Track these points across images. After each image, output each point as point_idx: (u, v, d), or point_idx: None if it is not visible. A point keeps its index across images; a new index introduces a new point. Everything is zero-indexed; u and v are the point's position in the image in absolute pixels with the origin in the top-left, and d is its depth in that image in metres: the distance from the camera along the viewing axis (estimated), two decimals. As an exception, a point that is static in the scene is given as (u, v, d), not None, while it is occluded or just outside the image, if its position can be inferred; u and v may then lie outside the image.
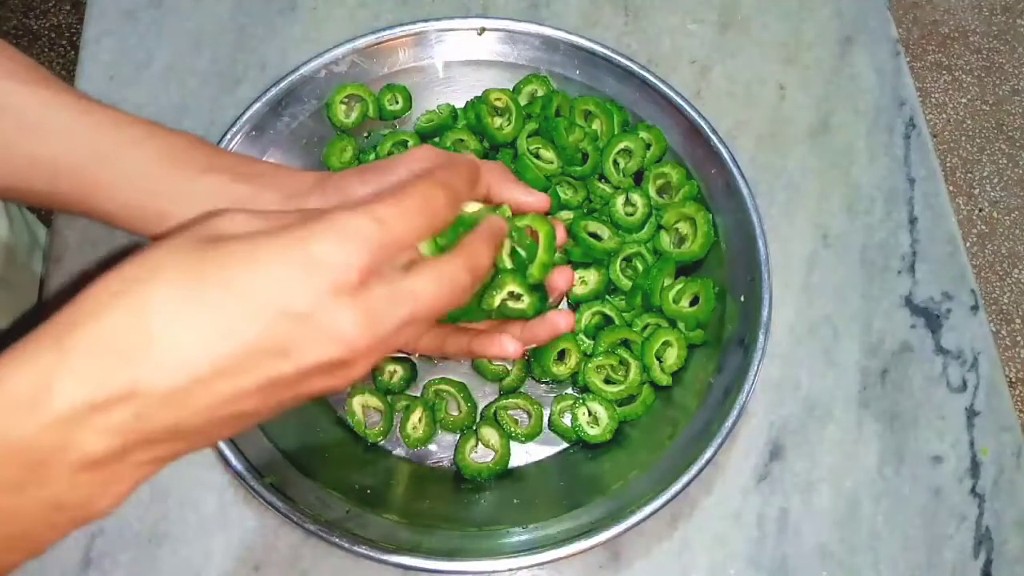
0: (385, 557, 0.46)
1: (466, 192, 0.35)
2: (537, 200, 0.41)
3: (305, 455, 0.50)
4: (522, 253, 0.39)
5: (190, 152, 0.39)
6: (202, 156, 0.39)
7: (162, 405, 0.26)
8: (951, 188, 1.59)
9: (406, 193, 0.31)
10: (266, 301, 0.26)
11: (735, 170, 0.55)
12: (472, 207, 0.38)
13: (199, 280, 0.26)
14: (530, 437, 0.53)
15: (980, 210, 1.58)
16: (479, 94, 0.58)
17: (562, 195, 0.56)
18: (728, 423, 0.49)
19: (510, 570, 0.46)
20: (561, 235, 0.42)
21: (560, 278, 0.42)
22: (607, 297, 0.56)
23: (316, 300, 0.27)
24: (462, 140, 0.58)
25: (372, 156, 0.58)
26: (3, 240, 0.60)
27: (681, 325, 0.54)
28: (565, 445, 0.54)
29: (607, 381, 0.53)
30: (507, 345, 0.39)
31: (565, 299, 0.57)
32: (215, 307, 0.26)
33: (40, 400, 0.24)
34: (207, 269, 0.26)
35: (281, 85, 0.56)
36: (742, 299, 0.53)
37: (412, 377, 0.54)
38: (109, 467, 0.26)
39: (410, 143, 0.58)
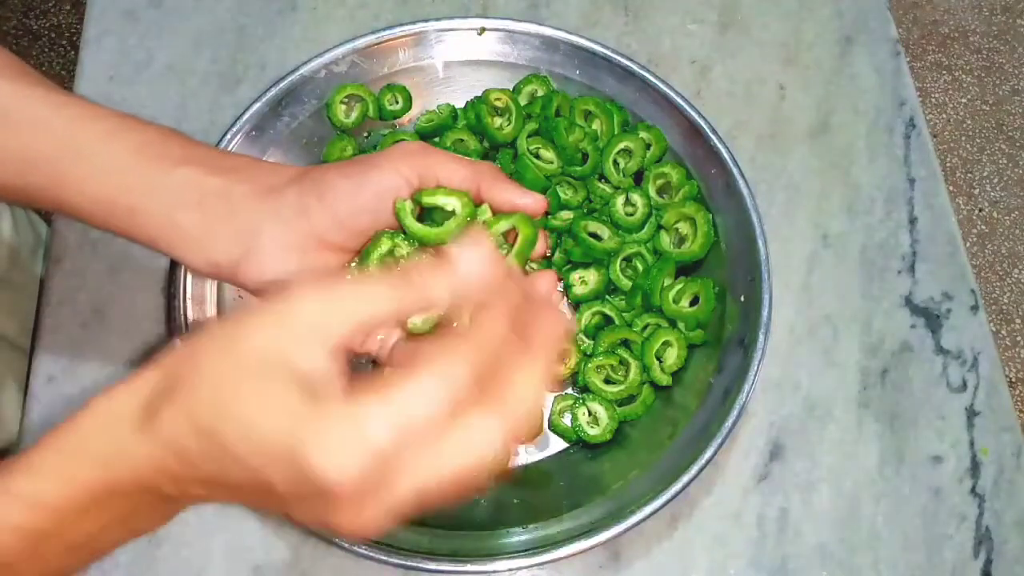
0: (385, 557, 0.46)
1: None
2: (534, 202, 0.39)
3: (305, 455, 0.50)
4: None
5: (165, 144, 0.39)
6: (176, 148, 0.39)
7: (191, 447, 0.28)
8: (951, 188, 1.59)
9: (425, 374, 0.26)
10: (256, 434, 0.26)
11: (735, 170, 0.55)
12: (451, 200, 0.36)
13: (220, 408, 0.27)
14: (530, 437, 0.53)
15: (980, 210, 1.58)
16: (479, 94, 0.58)
17: (562, 195, 0.56)
18: (728, 423, 0.49)
19: (510, 570, 0.46)
20: (541, 246, 0.39)
21: (540, 282, 0.38)
22: (607, 297, 0.56)
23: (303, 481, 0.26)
24: (462, 140, 0.58)
25: (372, 156, 0.58)
26: (6, 240, 0.60)
27: (681, 325, 0.54)
28: (565, 445, 0.54)
29: (607, 381, 0.53)
30: None
31: (565, 299, 0.57)
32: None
33: (148, 422, 0.27)
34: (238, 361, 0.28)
35: (281, 85, 0.56)
36: (742, 299, 0.53)
37: None
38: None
39: (410, 143, 0.58)
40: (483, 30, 0.59)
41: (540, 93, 0.59)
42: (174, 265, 0.52)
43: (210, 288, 0.53)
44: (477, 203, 0.39)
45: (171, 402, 0.27)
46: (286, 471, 0.25)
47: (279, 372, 0.26)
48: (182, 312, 0.51)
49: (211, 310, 0.52)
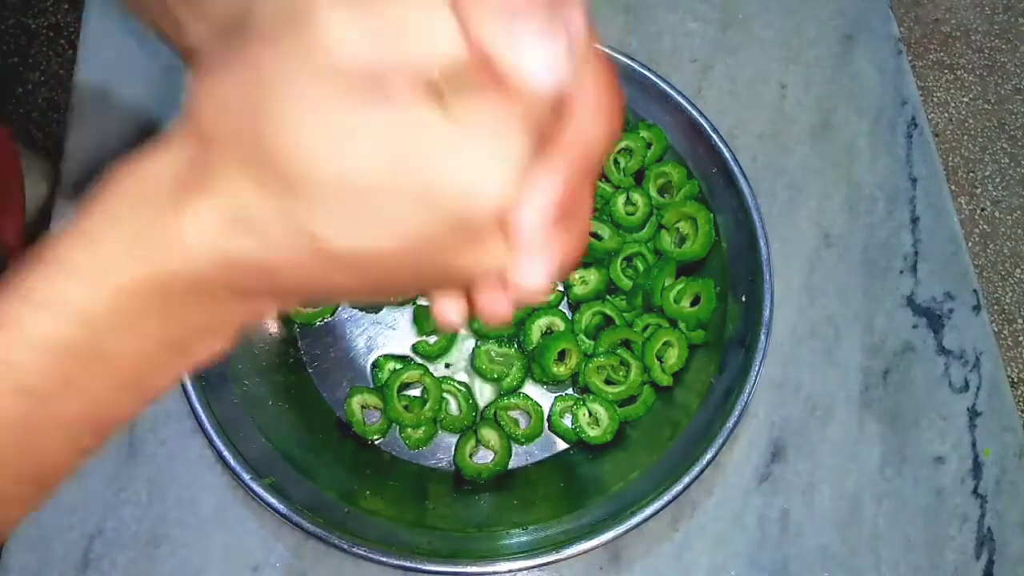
0: (385, 558, 0.45)
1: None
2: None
3: (304, 456, 0.50)
4: None
5: None
6: None
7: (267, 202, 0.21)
8: (953, 187, 1.59)
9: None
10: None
11: (736, 169, 0.54)
12: None
13: None
14: (530, 438, 0.53)
15: (982, 210, 1.58)
16: (479, 93, 0.58)
17: (562, 194, 0.56)
18: (729, 424, 0.48)
19: (510, 571, 0.46)
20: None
21: None
22: (608, 297, 0.56)
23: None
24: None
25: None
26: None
27: (682, 325, 0.54)
28: (565, 446, 0.54)
29: (608, 382, 0.53)
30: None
31: (566, 299, 0.57)
32: None
33: (197, 188, 0.21)
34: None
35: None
36: (743, 299, 0.53)
37: (449, 345, 0.55)
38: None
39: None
40: (483, 29, 0.59)
41: (540, 92, 0.59)
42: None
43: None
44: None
45: (226, 152, 0.20)
46: (426, 205, 0.20)
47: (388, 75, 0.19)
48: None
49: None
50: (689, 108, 0.56)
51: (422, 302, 0.56)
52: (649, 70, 0.57)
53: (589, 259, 0.55)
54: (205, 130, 0.20)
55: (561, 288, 0.56)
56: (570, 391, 0.55)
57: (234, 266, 0.21)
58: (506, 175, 0.20)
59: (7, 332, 0.21)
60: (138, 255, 0.21)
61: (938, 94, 1.67)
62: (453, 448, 0.53)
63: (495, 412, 0.53)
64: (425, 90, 0.19)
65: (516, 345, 0.55)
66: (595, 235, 0.55)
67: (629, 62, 0.58)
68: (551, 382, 0.55)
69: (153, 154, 0.21)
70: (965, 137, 1.63)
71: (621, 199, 0.56)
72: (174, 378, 0.25)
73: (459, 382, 0.54)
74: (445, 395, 0.54)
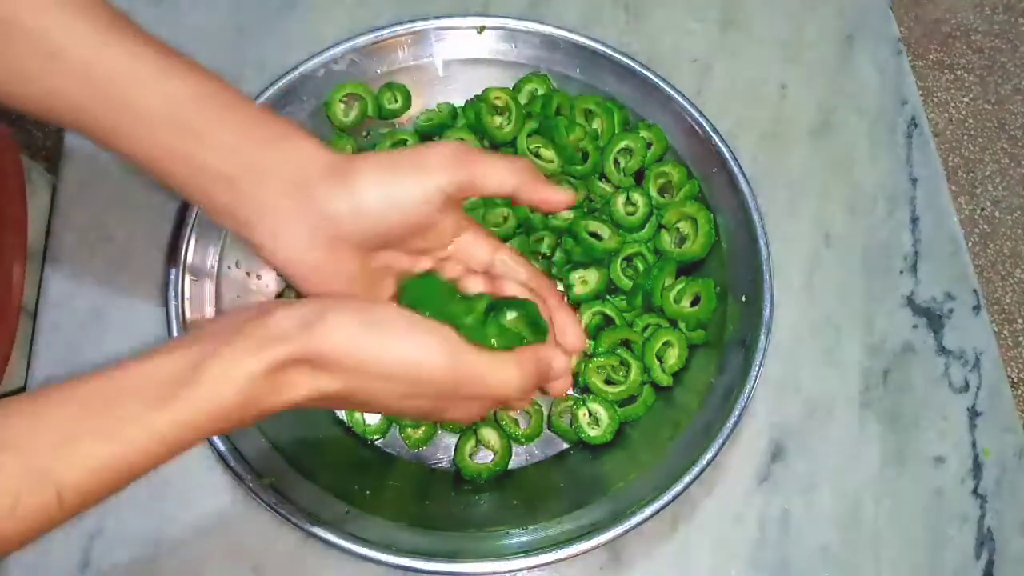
0: (385, 558, 0.45)
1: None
2: (567, 198, 0.41)
3: (304, 456, 0.50)
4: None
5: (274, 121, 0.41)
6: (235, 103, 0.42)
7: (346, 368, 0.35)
8: (953, 187, 1.59)
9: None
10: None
11: (736, 169, 0.54)
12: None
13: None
14: (530, 438, 0.53)
15: (982, 209, 1.58)
16: (479, 93, 0.58)
17: (562, 194, 0.56)
18: (729, 424, 0.48)
19: (510, 571, 0.46)
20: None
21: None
22: (608, 297, 0.56)
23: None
24: (462, 139, 0.57)
25: (371, 155, 0.57)
26: (43, 211, 0.59)
27: (682, 325, 0.54)
28: (565, 446, 0.54)
29: (608, 381, 0.53)
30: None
31: (566, 299, 0.56)
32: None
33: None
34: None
35: (280, 84, 0.56)
36: (743, 299, 0.53)
37: None
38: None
39: (409, 142, 0.57)
40: (483, 28, 0.59)
41: (540, 92, 0.59)
42: (171, 266, 0.52)
43: (208, 289, 0.52)
44: (514, 203, 0.41)
45: (334, 350, 0.33)
46: (444, 392, 0.36)
47: (427, 324, 0.36)
48: (180, 314, 0.51)
49: (209, 311, 0.52)
50: (689, 108, 0.56)
51: None
52: (649, 70, 0.57)
53: (589, 259, 0.55)
54: (323, 349, 0.33)
55: (561, 288, 0.56)
56: (570, 391, 0.55)
57: (310, 400, 0.34)
58: (516, 392, 0.38)
59: (151, 423, 0.31)
60: (248, 399, 0.33)
61: (938, 94, 1.67)
62: (453, 448, 0.53)
63: (495, 412, 0.53)
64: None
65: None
66: (595, 235, 0.55)
67: (629, 62, 0.58)
68: (551, 382, 0.55)
69: (279, 314, 0.34)
70: (965, 137, 1.63)
71: (621, 199, 0.56)
72: None
73: None
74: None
